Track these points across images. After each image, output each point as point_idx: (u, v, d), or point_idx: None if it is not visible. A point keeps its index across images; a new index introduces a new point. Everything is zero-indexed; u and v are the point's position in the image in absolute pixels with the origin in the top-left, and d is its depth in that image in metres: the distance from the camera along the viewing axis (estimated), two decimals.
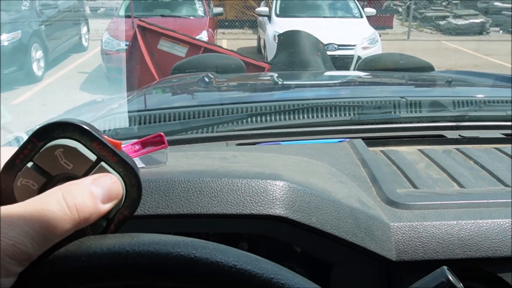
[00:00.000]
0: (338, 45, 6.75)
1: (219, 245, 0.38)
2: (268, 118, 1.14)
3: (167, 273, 0.36)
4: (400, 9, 13.18)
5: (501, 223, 0.65)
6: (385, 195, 0.72)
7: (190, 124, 1.14)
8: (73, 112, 1.57)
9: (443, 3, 13.71)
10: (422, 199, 0.72)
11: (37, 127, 0.42)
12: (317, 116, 1.15)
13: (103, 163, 0.42)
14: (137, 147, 0.67)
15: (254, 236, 0.73)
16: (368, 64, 2.24)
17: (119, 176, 0.42)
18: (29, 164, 0.41)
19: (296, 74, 2.51)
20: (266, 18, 8.16)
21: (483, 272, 0.64)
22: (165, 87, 1.92)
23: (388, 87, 1.76)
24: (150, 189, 0.57)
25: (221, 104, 1.23)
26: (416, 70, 2.09)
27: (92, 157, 0.42)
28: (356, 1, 8.66)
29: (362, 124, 1.12)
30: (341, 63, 6.34)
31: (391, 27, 11.76)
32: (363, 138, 0.98)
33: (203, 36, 6.63)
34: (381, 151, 0.97)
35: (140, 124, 1.16)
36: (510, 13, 12.09)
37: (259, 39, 9.07)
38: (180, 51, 4.27)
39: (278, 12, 8.09)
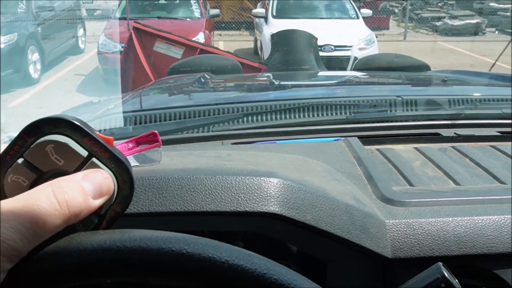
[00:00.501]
0: (335, 46, 6.75)
1: (211, 240, 0.38)
2: (263, 118, 1.14)
3: (159, 269, 0.36)
4: (396, 10, 13.20)
5: (497, 219, 0.65)
6: (381, 192, 0.72)
7: (185, 124, 1.13)
8: (70, 113, 1.56)
9: (439, 4, 13.75)
10: (418, 197, 0.72)
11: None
12: (313, 115, 1.15)
13: (94, 159, 0.41)
14: (131, 145, 0.67)
15: (249, 234, 0.72)
16: (365, 64, 2.24)
17: (110, 172, 0.42)
18: (20, 160, 0.40)
19: (292, 74, 2.51)
20: (262, 20, 8.16)
21: (478, 268, 0.64)
22: (161, 88, 1.92)
23: (384, 86, 1.77)
24: (144, 186, 0.57)
25: (217, 104, 1.23)
26: (412, 69, 2.09)
27: (84, 152, 0.41)
28: (352, 2, 8.68)
29: (358, 122, 1.11)
30: (338, 64, 6.34)
31: (388, 28, 11.79)
32: (359, 137, 0.97)
33: (200, 38, 6.62)
34: (377, 149, 0.96)
35: (135, 124, 1.15)
36: (506, 13, 12.14)
37: (255, 40, 9.06)
38: (176, 52, 4.27)
39: (274, 13, 8.09)
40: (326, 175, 0.74)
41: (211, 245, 0.37)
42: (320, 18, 8.11)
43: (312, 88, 1.79)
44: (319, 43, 6.42)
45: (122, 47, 4.84)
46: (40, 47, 6.93)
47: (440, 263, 0.50)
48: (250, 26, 10.61)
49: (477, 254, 0.63)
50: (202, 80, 1.74)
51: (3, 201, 0.36)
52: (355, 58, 5.73)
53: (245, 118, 1.14)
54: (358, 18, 8.22)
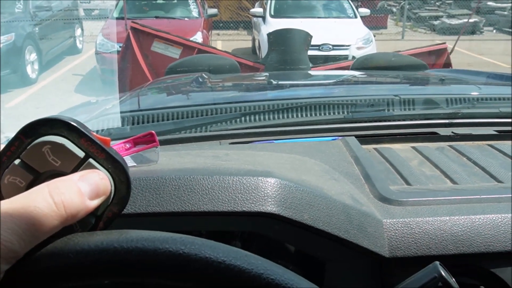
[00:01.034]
0: (333, 46, 6.75)
1: (208, 241, 0.38)
2: (261, 117, 1.14)
3: (156, 270, 0.36)
4: (394, 9, 13.21)
5: (494, 218, 0.65)
6: (378, 192, 0.72)
7: (183, 123, 1.13)
8: (67, 114, 1.56)
9: (437, 3, 13.76)
10: (415, 196, 0.72)
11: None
12: (311, 115, 1.15)
13: (91, 160, 0.41)
14: (128, 145, 0.67)
15: (247, 234, 0.72)
16: (362, 63, 2.24)
17: (107, 173, 0.42)
18: (16, 161, 0.40)
19: (289, 73, 2.51)
20: (260, 19, 8.15)
21: (476, 267, 0.64)
22: (158, 88, 1.92)
23: (382, 85, 1.77)
24: (141, 187, 0.57)
25: (215, 104, 1.23)
26: (409, 68, 2.09)
27: (80, 153, 0.41)
28: (350, 2, 8.68)
29: (355, 122, 1.11)
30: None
31: (385, 27, 11.79)
32: (356, 136, 0.97)
33: (198, 37, 6.62)
34: (374, 148, 0.97)
35: (133, 124, 1.15)
36: (503, 12, 12.15)
37: (253, 40, 9.06)
38: (174, 52, 4.26)
39: (272, 13, 8.09)
40: (323, 174, 0.74)
41: (207, 246, 0.37)
42: (318, 17, 8.11)
43: (309, 87, 1.79)
44: (318, 42, 6.44)
45: (120, 47, 4.83)
46: (38, 47, 6.92)
47: (437, 262, 0.50)
48: (248, 25, 10.61)
49: (475, 253, 0.63)
50: (200, 80, 1.74)
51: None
52: (353, 57, 5.73)
53: (242, 118, 1.14)
54: (356, 17, 8.23)
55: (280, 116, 1.14)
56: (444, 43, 4.31)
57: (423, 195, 0.72)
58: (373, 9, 11.09)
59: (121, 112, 1.19)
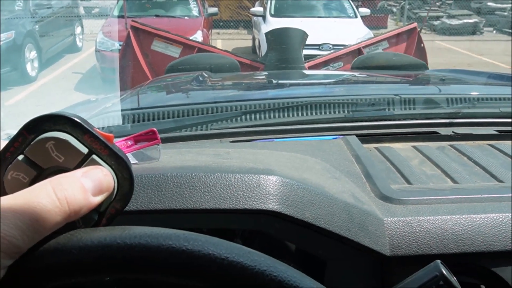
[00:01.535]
0: (333, 45, 6.75)
1: (211, 237, 0.38)
2: (262, 116, 1.14)
3: (159, 266, 0.36)
4: (394, 9, 13.21)
5: (495, 217, 0.65)
6: (379, 190, 0.72)
7: (183, 122, 1.13)
8: (68, 111, 1.56)
9: (437, 3, 13.76)
10: (416, 195, 0.72)
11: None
12: (311, 114, 1.15)
13: (94, 156, 0.41)
14: (129, 142, 0.67)
15: (248, 232, 0.72)
16: (363, 63, 2.24)
17: (110, 169, 0.42)
18: (20, 157, 0.40)
19: (290, 72, 2.51)
20: (260, 18, 8.15)
21: (476, 266, 0.64)
22: (159, 86, 1.92)
23: (382, 85, 1.77)
24: (143, 184, 0.57)
25: (215, 102, 1.23)
26: (410, 68, 2.09)
27: (84, 149, 0.41)
28: (350, 1, 8.68)
29: (356, 121, 1.12)
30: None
31: (386, 27, 11.78)
32: (357, 135, 0.97)
33: (198, 36, 6.62)
34: (375, 147, 0.97)
35: (133, 122, 1.15)
36: (503, 13, 12.15)
37: (253, 39, 9.06)
38: (174, 51, 4.25)
39: (272, 12, 8.08)
40: (324, 173, 0.74)
41: (211, 242, 0.37)
42: (319, 17, 8.11)
43: (310, 86, 1.79)
44: (318, 42, 6.44)
45: (120, 45, 4.82)
46: (38, 45, 6.91)
47: (439, 261, 0.50)
48: (248, 24, 10.60)
49: (475, 252, 0.63)
50: (200, 79, 1.74)
51: (3, 198, 0.36)
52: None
53: (243, 117, 1.14)
54: (356, 17, 8.23)
55: (281, 115, 1.14)
56: (413, 23, 4.75)
57: (424, 194, 0.72)
58: (373, 9, 11.08)
59: (122, 110, 1.19)
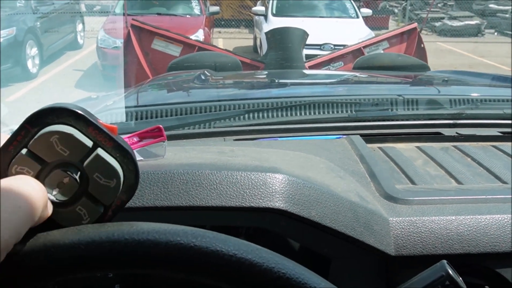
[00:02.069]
0: (334, 45, 6.74)
1: (219, 234, 0.38)
2: (266, 115, 1.14)
3: (167, 262, 0.36)
4: (396, 10, 13.20)
5: (500, 218, 0.65)
6: (384, 190, 0.72)
7: (187, 119, 1.13)
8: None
9: (439, 5, 13.75)
10: (421, 195, 0.72)
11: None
12: (315, 113, 1.15)
13: (99, 150, 0.41)
14: (135, 139, 0.67)
15: (253, 230, 0.72)
16: (365, 63, 2.24)
17: (115, 161, 0.41)
18: (24, 151, 0.40)
19: (292, 71, 2.51)
20: (262, 18, 8.14)
21: (481, 267, 0.64)
22: (161, 84, 1.91)
23: (385, 85, 1.77)
24: (149, 181, 0.57)
25: (219, 101, 1.23)
26: (412, 69, 2.09)
27: (89, 143, 0.41)
28: (352, 2, 8.67)
29: (360, 121, 1.11)
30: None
31: (387, 28, 11.77)
32: (361, 135, 0.97)
33: (199, 34, 6.61)
34: (379, 147, 0.97)
35: (137, 119, 1.15)
36: (505, 15, 12.15)
37: (255, 38, 9.05)
38: (174, 50, 4.25)
39: (274, 11, 8.07)
40: (329, 172, 0.74)
41: (219, 239, 0.37)
42: (320, 17, 8.10)
43: (313, 86, 1.79)
44: (319, 42, 6.43)
45: (121, 43, 4.82)
46: (39, 41, 6.90)
47: (445, 261, 0.50)
48: (249, 24, 10.59)
49: (480, 252, 0.63)
50: (202, 77, 1.74)
51: None
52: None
53: (247, 115, 1.13)
54: (358, 17, 8.22)
55: (285, 114, 1.14)
56: (413, 23, 4.77)
57: (429, 194, 0.72)
58: (375, 9, 11.08)
59: (125, 107, 1.18)
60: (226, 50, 4.46)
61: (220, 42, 9.53)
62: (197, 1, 7.83)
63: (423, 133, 1.06)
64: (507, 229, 0.64)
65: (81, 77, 6.77)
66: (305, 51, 3.28)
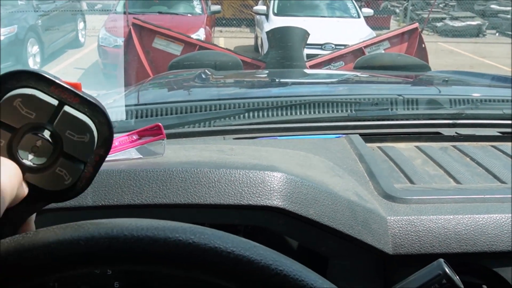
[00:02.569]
0: (336, 45, 6.74)
1: (217, 231, 0.38)
2: (265, 114, 1.14)
3: (165, 258, 0.36)
4: (397, 10, 13.18)
5: (497, 218, 0.65)
6: (382, 189, 0.72)
7: (187, 118, 1.13)
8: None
9: (440, 5, 13.73)
10: (419, 194, 0.72)
11: None
12: (315, 112, 1.15)
13: (66, 107, 0.40)
14: (134, 137, 0.67)
15: (251, 229, 0.72)
16: (366, 63, 2.24)
17: (85, 117, 0.41)
18: None
19: (293, 71, 2.51)
20: (263, 17, 8.13)
21: (478, 266, 0.65)
22: (162, 83, 1.92)
23: (385, 85, 1.77)
24: (148, 178, 0.57)
25: (219, 99, 1.23)
26: (412, 69, 2.09)
27: (53, 101, 0.40)
28: (353, 1, 8.66)
29: (359, 120, 1.12)
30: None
31: (388, 28, 11.75)
32: (360, 134, 0.98)
33: (200, 33, 6.60)
34: (378, 147, 0.97)
35: (137, 117, 1.15)
36: (506, 16, 12.14)
37: (256, 37, 9.04)
38: (175, 49, 4.25)
39: (276, 11, 8.07)
40: (328, 170, 0.74)
41: (217, 236, 0.37)
42: (322, 16, 8.09)
43: (313, 85, 1.79)
44: (320, 41, 6.43)
45: (122, 41, 4.82)
46: (40, 39, 6.90)
47: (442, 260, 0.51)
48: (251, 23, 10.58)
49: (478, 252, 0.63)
50: (203, 76, 1.74)
51: None
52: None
53: (246, 114, 1.14)
54: (359, 17, 8.21)
55: (284, 113, 1.14)
56: (415, 23, 4.79)
57: (427, 193, 0.73)
58: (376, 9, 11.06)
59: (126, 106, 1.19)
60: (227, 49, 4.46)
61: (221, 41, 9.53)
62: (198, 0, 7.83)
63: (423, 133, 1.06)
64: (505, 228, 0.64)
65: (82, 76, 6.76)
66: (306, 51, 3.27)
